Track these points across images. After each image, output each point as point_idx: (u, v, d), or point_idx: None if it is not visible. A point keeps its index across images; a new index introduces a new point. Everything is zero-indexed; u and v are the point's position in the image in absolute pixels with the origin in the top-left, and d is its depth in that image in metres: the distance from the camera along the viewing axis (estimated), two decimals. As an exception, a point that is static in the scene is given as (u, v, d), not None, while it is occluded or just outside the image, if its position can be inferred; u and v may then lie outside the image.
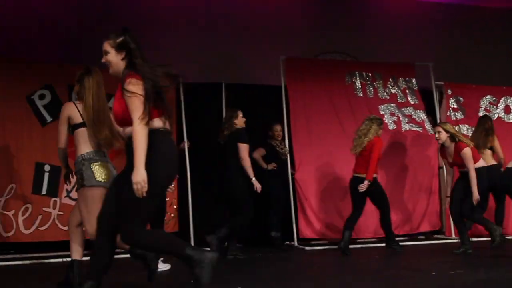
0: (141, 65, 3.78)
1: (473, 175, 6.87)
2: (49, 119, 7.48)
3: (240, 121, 7.16)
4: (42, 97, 7.49)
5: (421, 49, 10.25)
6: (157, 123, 3.74)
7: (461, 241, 7.10)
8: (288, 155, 8.32)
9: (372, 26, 10.33)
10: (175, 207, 8.19)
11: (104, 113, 4.74)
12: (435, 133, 7.28)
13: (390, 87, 9.17)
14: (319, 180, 8.51)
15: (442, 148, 7.27)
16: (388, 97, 9.11)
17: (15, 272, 6.24)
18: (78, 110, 4.78)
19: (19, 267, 6.59)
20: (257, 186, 7.07)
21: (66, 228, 7.33)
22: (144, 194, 3.49)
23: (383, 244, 7.72)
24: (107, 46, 3.87)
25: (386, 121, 8.77)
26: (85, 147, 4.72)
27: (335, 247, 7.42)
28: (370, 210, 7.89)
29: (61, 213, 7.40)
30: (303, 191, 8.31)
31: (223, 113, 8.56)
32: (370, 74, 9.16)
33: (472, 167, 6.91)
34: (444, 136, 7.10)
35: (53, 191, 7.42)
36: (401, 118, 8.96)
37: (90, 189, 4.62)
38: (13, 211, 7.17)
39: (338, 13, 10.20)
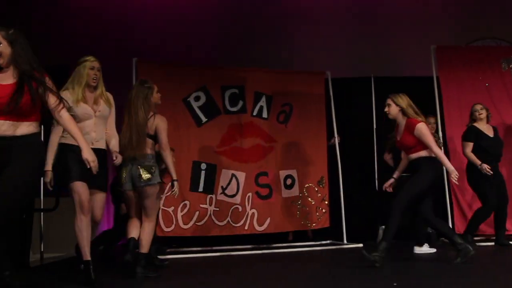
0: None
1: (438, 152, 5.68)
2: (204, 119, 7.77)
3: None
4: (197, 99, 7.78)
5: None
6: None
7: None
8: (442, 147, 8.03)
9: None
10: (326, 202, 8.20)
11: None
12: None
13: (556, 72, 8.54)
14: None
15: (396, 126, 6.00)
16: (552, 83, 8.50)
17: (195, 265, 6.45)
18: None
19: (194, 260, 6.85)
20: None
21: (221, 223, 7.69)
22: None
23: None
24: None
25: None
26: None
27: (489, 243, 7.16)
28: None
29: (217, 209, 7.67)
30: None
31: (373, 107, 8.46)
32: (529, 58, 8.59)
33: (433, 144, 5.67)
34: (394, 110, 5.87)
35: (209, 188, 7.70)
36: None
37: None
38: (172, 207, 7.48)
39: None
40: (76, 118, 4.58)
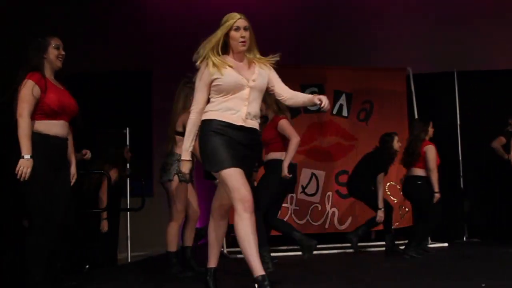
0: None
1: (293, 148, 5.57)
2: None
3: None
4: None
5: None
6: None
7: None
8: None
9: None
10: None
11: None
12: None
13: None
14: None
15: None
16: None
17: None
18: None
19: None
20: None
21: (301, 222, 7.70)
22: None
23: None
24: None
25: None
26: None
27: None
28: None
29: (297, 208, 7.73)
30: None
31: (457, 103, 8.25)
32: None
33: (295, 137, 5.63)
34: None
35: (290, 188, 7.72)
36: None
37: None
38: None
39: None
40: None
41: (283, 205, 7.59)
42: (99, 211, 6.47)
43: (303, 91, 7.79)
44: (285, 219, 7.60)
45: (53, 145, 3.98)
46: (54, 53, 4.10)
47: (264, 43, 8.81)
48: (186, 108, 5.14)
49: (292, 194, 7.65)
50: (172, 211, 5.31)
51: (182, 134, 4.78)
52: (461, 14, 8.89)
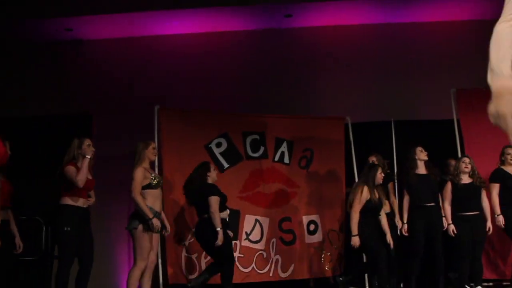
0: None
1: None
2: (226, 165, 7.80)
3: None
4: (219, 145, 7.83)
5: None
6: None
7: None
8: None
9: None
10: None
11: None
12: None
13: None
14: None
15: None
16: None
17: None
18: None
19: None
20: None
21: (246, 270, 7.61)
22: None
23: None
24: None
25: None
26: None
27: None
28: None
29: (242, 255, 7.61)
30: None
31: (394, 151, 8.47)
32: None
33: None
34: None
35: (234, 234, 7.66)
36: None
37: None
38: (196, 254, 7.43)
39: (508, 40, 9.75)
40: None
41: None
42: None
43: (245, 138, 7.92)
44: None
45: None
46: None
47: (207, 90, 8.98)
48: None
49: (235, 241, 7.59)
50: (136, 257, 5.82)
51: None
52: (398, 66, 9.30)
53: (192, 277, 7.36)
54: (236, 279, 7.48)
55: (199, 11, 8.70)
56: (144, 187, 6.08)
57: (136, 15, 8.60)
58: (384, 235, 6.94)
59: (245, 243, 7.67)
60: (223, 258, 6.55)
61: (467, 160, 7.45)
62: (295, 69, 9.27)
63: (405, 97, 9.11)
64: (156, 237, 6.20)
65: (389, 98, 9.06)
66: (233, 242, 7.56)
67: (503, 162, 7.43)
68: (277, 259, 7.74)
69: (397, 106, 9.00)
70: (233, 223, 7.61)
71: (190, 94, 8.96)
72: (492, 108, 2.03)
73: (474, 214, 7.21)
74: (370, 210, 6.87)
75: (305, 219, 7.98)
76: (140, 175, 6.06)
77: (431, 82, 9.15)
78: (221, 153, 7.82)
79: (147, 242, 5.90)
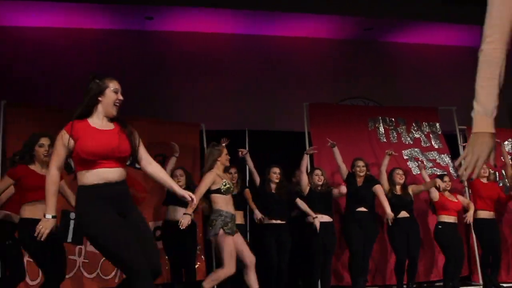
0: None
1: None
2: (74, 167, 7.54)
3: None
4: (67, 144, 7.56)
5: (444, 93, 10.26)
6: None
7: None
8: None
9: (395, 71, 10.41)
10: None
11: None
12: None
13: (414, 132, 9.15)
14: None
15: None
16: (412, 142, 9.09)
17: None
18: None
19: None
20: None
21: (91, 276, 7.41)
22: None
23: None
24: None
25: (410, 166, 8.74)
26: None
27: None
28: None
29: (86, 260, 7.39)
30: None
31: (247, 160, 8.61)
32: (393, 119, 9.17)
33: None
34: None
35: (79, 239, 7.41)
36: (425, 163, 8.90)
37: None
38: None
39: (361, 59, 10.31)
40: None
41: (71, 257, 7.31)
42: None
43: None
44: (73, 273, 7.31)
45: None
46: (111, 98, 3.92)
47: (59, 88, 8.62)
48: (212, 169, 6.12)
49: (80, 246, 7.37)
50: (224, 262, 5.95)
51: (211, 192, 6.08)
52: (257, 79, 9.52)
53: (33, 283, 7.07)
54: (82, 285, 7.30)
55: (58, 5, 8.41)
56: (213, 192, 6.14)
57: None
58: None
59: (91, 248, 7.44)
60: None
61: (319, 172, 7.76)
62: (154, 72, 9.21)
63: (261, 108, 9.36)
64: (238, 237, 6.19)
65: (245, 107, 9.26)
66: (78, 247, 7.35)
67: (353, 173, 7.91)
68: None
69: (252, 116, 9.21)
70: (79, 227, 7.39)
71: (44, 89, 8.62)
72: (469, 146, 2.16)
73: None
74: None
75: (152, 225, 7.89)
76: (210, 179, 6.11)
77: (286, 95, 9.46)
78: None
79: (230, 246, 5.97)
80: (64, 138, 3.84)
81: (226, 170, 6.59)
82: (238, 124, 8.93)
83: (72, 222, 7.22)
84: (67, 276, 7.18)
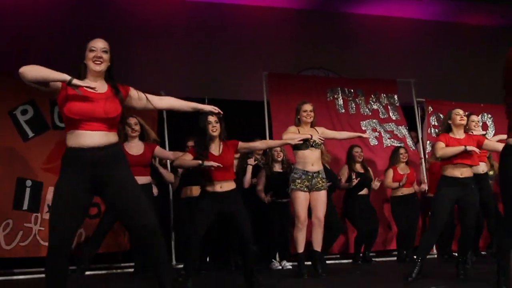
0: None
1: None
2: (31, 134, 7.44)
3: None
4: (24, 112, 7.45)
5: (403, 65, 10.38)
6: None
7: None
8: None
9: (355, 43, 10.47)
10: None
11: None
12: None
13: (372, 103, 9.24)
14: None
15: None
16: (370, 113, 9.18)
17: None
18: None
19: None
20: None
21: (47, 243, 7.31)
22: None
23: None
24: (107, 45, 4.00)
25: (368, 137, 8.84)
26: None
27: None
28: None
29: (42, 228, 7.29)
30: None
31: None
32: (352, 90, 9.22)
33: None
34: None
35: (35, 207, 7.35)
36: (382, 134, 9.04)
37: None
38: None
39: (322, 29, 10.33)
40: None
41: (26, 225, 7.23)
42: None
43: (53, 107, 7.55)
44: (29, 240, 7.24)
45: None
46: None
47: (19, 54, 8.42)
48: None
49: (37, 214, 7.30)
50: (294, 218, 6.43)
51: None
52: (216, 47, 9.46)
53: None
54: (38, 253, 7.23)
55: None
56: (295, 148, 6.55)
57: None
58: None
59: (47, 215, 7.36)
60: None
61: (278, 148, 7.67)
62: (112, 37, 9.01)
63: (220, 76, 9.33)
64: (316, 195, 6.39)
65: (204, 76, 9.21)
66: (34, 214, 7.28)
67: None
68: (80, 233, 7.51)
69: (212, 84, 9.17)
70: (35, 195, 7.33)
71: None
72: None
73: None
74: None
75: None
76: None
77: (245, 64, 9.44)
78: (26, 121, 7.43)
79: (299, 201, 6.35)
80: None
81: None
82: (198, 93, 8.87)
83: (28, 190, 7.24)
84: (22, 244, 7.19)
